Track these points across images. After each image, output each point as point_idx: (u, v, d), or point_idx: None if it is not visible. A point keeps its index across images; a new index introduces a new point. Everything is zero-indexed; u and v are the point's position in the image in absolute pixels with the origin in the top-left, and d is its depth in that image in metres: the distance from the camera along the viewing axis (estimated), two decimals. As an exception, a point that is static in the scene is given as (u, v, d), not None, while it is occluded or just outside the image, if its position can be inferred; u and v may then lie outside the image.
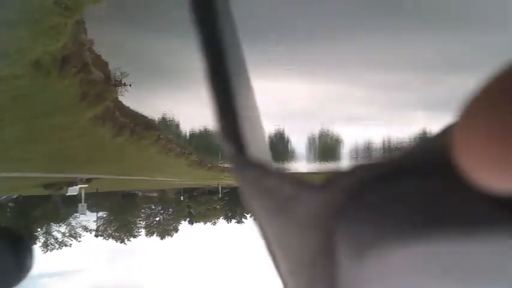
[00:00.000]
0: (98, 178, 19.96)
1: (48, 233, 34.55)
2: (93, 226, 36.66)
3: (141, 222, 40.40)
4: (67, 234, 34.98)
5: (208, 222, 43.97)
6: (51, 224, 34.40)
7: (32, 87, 7.64)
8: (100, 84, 10.78)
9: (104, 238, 37.57)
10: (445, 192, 0.18)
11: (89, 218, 35.27)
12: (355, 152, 41.08)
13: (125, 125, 13.79)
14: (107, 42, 14.42)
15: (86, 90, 9.86)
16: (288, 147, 38.42)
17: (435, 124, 36.76)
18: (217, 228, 44.61)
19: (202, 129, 35.11)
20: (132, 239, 38.56)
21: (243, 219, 45.27)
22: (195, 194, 42.25)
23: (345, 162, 40.68)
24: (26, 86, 7.35)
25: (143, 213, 40.93)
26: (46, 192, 21.51)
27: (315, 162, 40.90)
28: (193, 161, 24.63)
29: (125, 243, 38.11)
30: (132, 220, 39.47)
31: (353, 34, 33.10)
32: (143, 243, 39.81)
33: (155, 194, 41.34)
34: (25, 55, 6.77)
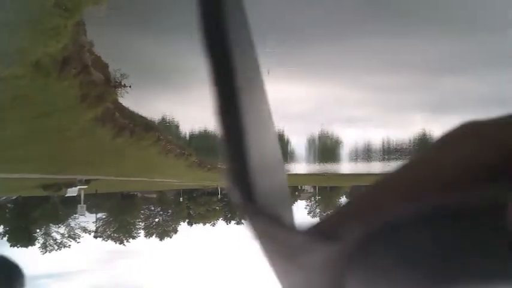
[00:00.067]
0: (97, 179, 19.97)
1: (47, 234, 34.53)
2: (92, 227, 36.66)
3: (140, 223, 40.39)
4: (66, 235, 34.97)
5: (207, 224, 43.97)
6: (50, 225, 34.38)
7: (32, 88, 7.66)
8: (100, 86, 10.80)
9: (103, 239, 37.56)
10: (461, 241, 0.17)
11: (88, 219, 35.27)
12: (355, 154, 41.15)
13: (125, 126, 13.80)
14: (107, 43, 14.46)
15: (86, 92, 9.87)
16: (287, 149, 38.47)
17: (434, 126, 36.83)
18: (216, 230, 44.64)
19: (202, 131, 35.17)
20: (131, 240, 38.55)
21: (242, 221, 45.17)
22: (194, 195, 42.24)
23: (344, 164, 40.72)
24: (26, 87, 7.37)
25: (142, 214, 40.91)
26: (45, 193, 21.50)
27: (315, 163, 40.95)
28: (193, 162, 24.64)
29: (124, 244, 38.09)
30: (131, 221, 39.44)
31: (352, 36, 33.18)
32: (142, 244, 39.83)
33: (154, 195, 41.33)
34: (25, 56, 6.79)
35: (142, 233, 39.66)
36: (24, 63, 6.89)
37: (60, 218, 34.05)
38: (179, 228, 41.90)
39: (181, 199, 41.58)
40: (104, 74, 11.49)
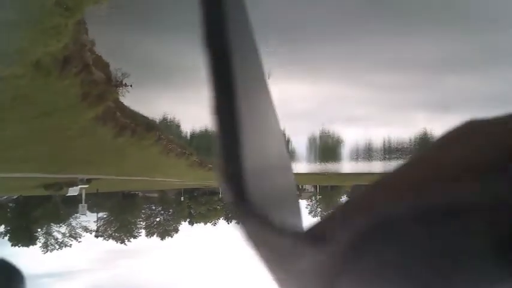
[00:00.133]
0: (98, 178, 19.97)
1: (48, 233, 34.57)
2: (94, 227, 36.71)
3: (142, 222, 40.42)
4: (67, 234, 35.01)
5: (208, 223, 43.99)
6: (52, 224, 34.42)
7: (32, 88, 7.63)
8: (101, 85, 10.77)
9: (104, 239, 37.59)
10: (451, 243, 0.17)
11: (89, 219, 35.31)
12: (356, 153, 41.08)
13: (126, 125, 13.78)
14: (108, 42, 14.42)
15: (87, 91, 9.85)
16: (288, 148, 38.40)
17: (435, 124, 36.74)
18: (217, 229, 44.66)
19: (203, 130, 35.12)
20: (132, 239, 38.57)
21: (234, 221, 45.12)
22: (195, 194, 42.25)
23: (345, 163, 40.67)
24: (26, 86, 7.34)
25: (143, 213, 40.93)
26: (46, 192, 21.51)
27: (316, 162, 40.89)
28: (194, 162, 24.63)
29: (125, 243, 38.12)
30: (133, 221, 39.47)
31: (353, 35, 33.09)
32: (143, 243, 39.84)
33: (155, 195, 41.36)
34: (26, 55, 6.76)
35: (143, 232, 39.72)
36: (24, 63, 6.86)
37: (61, 218, 34.08)
38: (180, 227, 41.96)
39: (182, 198, 41.61)
40: (105, 73, 11.46)
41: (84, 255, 39.06)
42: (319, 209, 43.05)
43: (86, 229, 35.89)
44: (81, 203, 22.53)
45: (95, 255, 40.61)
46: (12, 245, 33.24)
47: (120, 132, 13.43)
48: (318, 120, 39.77)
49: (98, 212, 36.95)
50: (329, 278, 0.21)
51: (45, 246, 34.32)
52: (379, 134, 39.20)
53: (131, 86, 13.25)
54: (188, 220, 43.19)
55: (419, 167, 0.20)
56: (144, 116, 16.71)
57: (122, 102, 13.73)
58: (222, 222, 44.57)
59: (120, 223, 38.23)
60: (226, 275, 43.30)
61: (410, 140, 38.16)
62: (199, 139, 33.33)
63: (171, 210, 41.94)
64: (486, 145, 0.18)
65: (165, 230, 40.68)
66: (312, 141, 40.25)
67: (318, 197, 44.42)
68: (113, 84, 12.10)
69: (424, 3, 29.55)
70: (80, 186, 19.18)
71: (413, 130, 37.86)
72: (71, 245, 34.96)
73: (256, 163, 0.25)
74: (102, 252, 40.18)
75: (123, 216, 38.23)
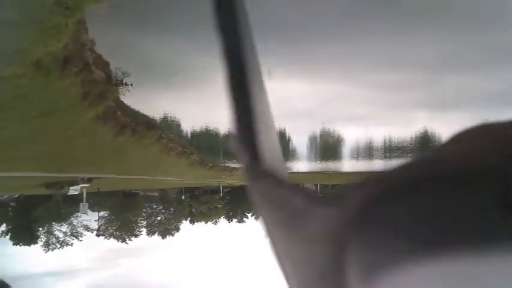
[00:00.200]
0: (99, 177, 20.00)
1: (49, 232, 34.63)
2: (95, 225, 36.77)
3: (143, 221, 40.47)
4: (68, 233, 35.08)
5: (209, 222, 44.03)
6: (53, 223, 34.48)
7: (33, 87, 7.65)
8: (101, 84, 10.79)
9: (106, 237, 37.65)
10: (460, 205, 0.17)
11: (91, 218, 35.33)
12: (356, 152, 41.07)
13: (126, 124, 13.80)
14: (108, 42, 14.44)
15: (87, 90, 9.86)
16: (289, 147, 38.40)
17: (436, 124, 36.72)
18: (218, 228, 44.68)
19: (204, 129, 35.16)
20: (133, 238, 38.63)
21: (244, 219, 45.29)
22: (196, 193, 42.29)
23: (346, 162, 40.67)
24: (26, 86, 7.36)
25: (144, 212, 40.99)
26: (47, 191, 21.56)
27: (316, 161, 40.89)
28: (195, 161, 24.65)
29: (126, 242, 38.18)
30: (134, 219, 39.53)
31: (354, 34, 33.06)
32: (144, 242, 39.90)
33: (156, 194, 41.39)
34: (26, 55, 6.78)
35: (144, 231, 39.78)
36: (25, 62, 6.88)
37: (63, 216, 34.15)
38: (181, 226, 42.01)
39: (183, 197, 41.65)
40: (105, 73, 11.47)
41: (85, 254, 39.13)
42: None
43: (87, 228, 35.98)
44: (82, 201, 22.56)
45: (96, 254, 40.68)
46: (13, 244, 33.33)
47: (121, 131, 13.45)
48: (319, 119, 39.77)
49: (99, 211, 37.01)
50: (339, 242, 0.21)
51: (47, 245, 34.39)
52: (379, 133, 39.18)
53: (131, 85, 13.27)
54: (189, 219, 43.24)
55: (422, 161, 0.20)
56: (144, 115, 16.73)
57: (122, 102, 13.75)
58: (223, 220, 44.65)
59: (121, 222, 38.29)
60: (227, 273, 43.35)
61: (410, 138, 38.14)
62: (200, 138, 33.36)
63: (172, 209, 41.99)
64: (494, 144, 0.18)
65: (166, 229, 40.74)
66: (312, 140, 40.25)
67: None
68: (113, 83, 12.11)
69: (424, 3, 29.52)
70: (80, 185, 19.22)
71: (413, 129, 37.84)
72: (72, 243, 35.04)
73: (263, 130, 0.26)
74: (103, 251, 40.24)
75: (124, 215, 38.29)
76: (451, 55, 34.18)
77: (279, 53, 27.72)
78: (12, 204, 33.98)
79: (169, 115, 31.25)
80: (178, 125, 32.64)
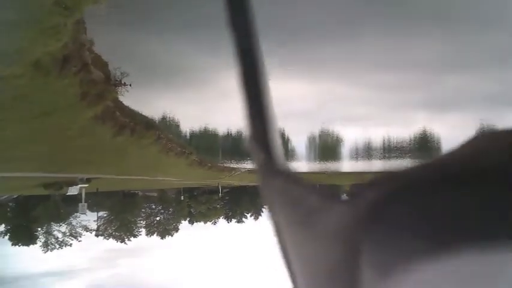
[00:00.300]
0: (98, 178, 20.00)
1: (48, 232, 34.60)
2: (94, 226, 36.75)
3: (142, 221, 40.47)
4: (67, 233, 35.05)
5: (208, 222, 44.02)
6: (52, 223, 34.45)
7: (32, 87, 7.66)
8: (100, 84, 10.79)
9: (105, 238, 37.63)
10: (460, 204, 0.18)
11: (90, 218, 35.34)
12: (355, 152, 41.11)
13: (125, 124, 13.80)
14: (107, 42, 14.44)
15: (86, 90, 9.87)
16: (288, 147, 38.44)
17: (435, 124, 36.77)
18: (217, 228, 44.70)
19: (202, 129, 35.18)
20: (132, 238, 38.61)
21: (243, 219, 45.31)
22: (195, 193, 42.29)
23: (345, 162, 40.70)
24: (26, 86, 7.37)
25: (143, 212, 40.99)
26: (46, 191, 21.53)
27: (315, 161, 40.92)
28: (194, 161, 24.66)
29: (125, 242, 38.16)
30: (133, 220, 39.52)
31: (353, 35, 33.11)
32: (143, 242, 39.88)
33: (155, 194, 41.38)
34: (25, 55, 6.79)
35: (143, 231, 39.77)
36: (24, 63, 6.89)
37: (62, 217, 34.12)
38: (180, 226, 42.01)
39: (182, 198, 41.64)
40: (104, 73, 11.47)
41: (84, 254, 39.12)
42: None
43: (86, 228, 35.95)
44: (81, 202, 22.55)
45: (95, 254, 40.68)
46: (12, 244, 33.31)
47: (120, 131, 13.45)
48: (318, 119, 39.83)
49: (98, 211, 37.00)
50: (351, 241, 0.21)
51: (46, 245, 34.36)
52: (378, 133, 39.24)
53: (130, 85, 13.26)
54: (188, 219, 43.24)
55: (432, 162, 0.21)
56: (143, 115, 16.73)
57: (121, 102, 13.74)
58: (222, 221, 44.66)
59: (120, 222, 38.28)
60: (227, 273, 43.34)
61: (409, 139, 38.20)
62: (199, 138, 33.39)
63: (171, 209, 41.98)
64: (497, 149, 0.19)
65: (165, 229, 40.73)
66: (311, 140, 40.30)
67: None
68: (112, 83, 12.11)
69: (424, 5, 29.57)
70: (79, 185, 19.21)
71: (412, 129, 37.90)
72: (71, 244, 35.02)
73: (275, 127, 0.27)
74: (103, 251, 40.25)
75: (123, 215, 38.27)
76: (450, 56, 34.24)
77: (279, 53, 27.75)
78: (11, 204, 33.95)
79: (168, 115, 31.29)
80: (177, 125, 32.67)
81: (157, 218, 41.29)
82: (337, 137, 40.56)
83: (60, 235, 34.81)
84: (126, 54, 21.62)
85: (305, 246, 0.25)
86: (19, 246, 33.55)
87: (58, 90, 8.61)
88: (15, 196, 31.76)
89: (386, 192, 0.20)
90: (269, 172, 0.23)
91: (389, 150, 38.80)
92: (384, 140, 39.39)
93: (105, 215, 38.02)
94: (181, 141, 25.89)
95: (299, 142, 39.35)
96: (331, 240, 0.23)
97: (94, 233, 36.74)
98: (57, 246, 34.64)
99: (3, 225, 33.74)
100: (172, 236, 40.89)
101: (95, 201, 33.52)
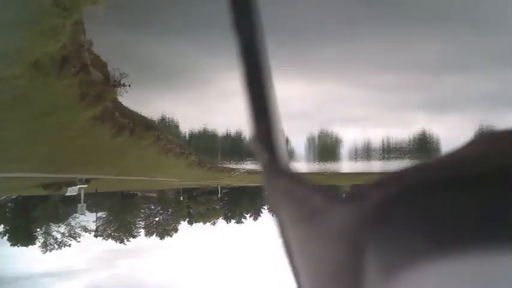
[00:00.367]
0: (97, 178, 19.98)
1: (47, 233, 34.58)
2: (93, 226, 36.71)
3: (141, 222, 40.43)
4: (66, 234, 35.02)
5: (207, 223, 44.01)
6: (51, 224, 34.42)
7: (31, 88, 7.67)
8: (99, 85, 10.80)
9: (104, 238, 37.60)
10: (460, 205, 0.18)
11: (89, 218, 35.30)
12: (354, 153, 41.13)
13: (125, 125, 13.81)
14: (106, 42, 14.45)
15: (85, 91, 9.87)
16: (287, 148, 38.26)
17: (434, 125, 36.82)
18: (216, 229, 44.69)
19: (202, 130, 35.20)
20: (131, 239, 38.59)
21: (243, 220, 45.31)
22: (194, 194, 42.28)
23: (344, 163, 40.73)
24: (25, 86, 7.38)
25: (142, 213, 40.95)
26: (45, 192, 21.52)
27: (314, 162, 40.93)
28: (193, 161, 24.67)
29: (124, 243, 38.14)
30: (132, 220, 39.49)
31: (352, 36, 33.15)
32: (143, 243, 39.85)
33: (154, 194, 41.36)
34: (24, 55, 6.80)
35: (142, 232, 39.74)
36: (23, 63, 6.90)
37: (61, 217, 34.08)
38: (179, 227, 41.99)
39: (181, 198, 41.63)
40: (103, 73, 11.48)
41: (83, 255, 39.07)
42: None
43: (85, 229, 35.92)
44: (80, 202, 22.53)
45: (94, 255, 40.63)
46: (11, 245, 33.28)
47: (119, 132, 13.46)
48: (317, 120, 39.87)
49: (97, 212, 36.98)
50: (356, 242, 0.21)
51: (45, 246, 34.33)
52: (377, 134, 39.28)
53: (129, 86, 13.25)
54: (187, 220, 43.23)
55: (436, 162, 0.21)
56: (142, 116, 16.73)
57: (120, 102, 13.75)
58: (221, 221, 44.65)
59: (119, 223, 38.25)
60: (226, 274, 43.33)
61: (408, 140, 38.23)
62: (198, 139, 33.41)
63: (170, 210, 41.96)
64: (497, 149, 0.19)
65: (164, 230, 40.71)
66: (310, 141, 40.32)
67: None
68: (111, 84, 12.11)
69: (423, 6, 29.62)
70: (78, 186, 19.19)
71: (411, 130, 37.94)
72: (70, 244, 34.99)
73: (279, 128, 0.27)
74: (101, 251, 40.21)
75: (122, 216, 38.25)
76: (449, 57, 34.30)
77: (278, 54, 27.79)
78: (10, 205, 33.92)
79: (167, 116, 31.30)
80: (177, 126, 32.69)
81: (157, 219, 41.27)
82: (336, 138, 40.60)
83: (59, 236, 34.79)
84: (125, 55, 21.63)
85: (309, 245, 0.25)
86: (18, 246, 33.52)
87: (57, 90, 8.61)
88: (14, 196, 31.74)
89: (392, 193, 0.20)
90: (273, 172, 0.23)
91: (389, 151, 38.84)
92: (383, 141, 39.44)
93: (104, 216, 37.99)
94: (181, 141, 25.89)
95: (298, 143, 39.38)
96: (336, 240, 0.23)
97: (93, 233, 36.73)
98: (56, 246, 34.60)
99: (2, 226, 33.71)
100: (171, 236, 40.89)
101: (94, 201, 33.50)
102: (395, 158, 36.57)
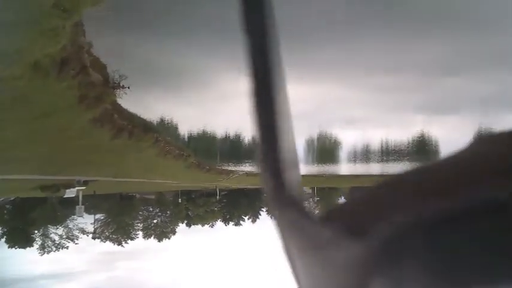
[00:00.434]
0: (96, 180, 19.92)
1: (45, 235, 34.46)
2: (91, 228, 36.58)
3: (139, 224, 40.32)
4: (64, 236, 34.89)
5: (206, 225, 43.94)
6: (49, 226, 34.31)
7: (30, 89, 7.64)
8: (98, 87, 10.78)
9: (102, 240, 37.47)
10: (468, 242, 0.17)
11: (86, 220, 35.18)
12: (353, 155, 41.15)
13: (123, 127, 13.78)
14: (106, 44, 14.43)
15: (85, 93, 9.85)
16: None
17: (433, 127, 36.89)
18: (215, 231, 44.61)
19: (201, 132, 35.21)
20: (129, 241, 38.48)
21: (241, 222, 45.25)
22: (193, 196, 42.21)
23: (343, 165, 40.74)
24: (24, 87, 7.35)
25: (141, 215, 40.84)
26: (43, 194, 21.44)
27: (313, 164, 40.94)
28: (192, 163, 24.64)
29: (122, 245, 38.02)
30: (130, 222, 39.37)
31: (352, 37, 33.22)
32: (141, 245, 39.74)
33: (153, 196, 41.28)
34: (24, 57, 6.77)
35: (140, 234, 39.62)
36: (23, 64, 6.87)
37: (58, 219, 33.98)
38: (178, 229, 41.89)
39: (179, 200, 41.55)
40: (103, 75, 11.46)
41: (81, 257, 38.95)
42: (317, 211, 43.04)
43: (83, 231, 35.80)
44: (78, 204, 22.46)
45: (92, 257, 40.50)
46: (9, 247, 33.15)
47: (118, 134, 13.43)
48: (316, 122, 39.91)
49: (95, 214, 36.85)
50: (364, 276, 0.21)
51: (42, 248, 34.21)
52: (376, 136, 39.34)
53: (129, 88, 13.23)
54: (185, 222, 43.14)
55: (436, 169, 0.21)
56: (141, 118, 16.71)
57: (119, 104, 13.73)
58: (219, 223, 44.57)
59: (118, 225, 38.14)
60: (224, 276, 43.25)
61: (407, 141, 38.30)
62: (197, 141, 33.38)
63: (168, 212, 41.88)
64: (496, 152, 0.19)
65: (163, 232, 40.60)
66: (309, 143, 40.36)
67: (315, 198, 44.49)
68: (110, 86, 12.09)
69: (423, 8, 29.70)
70: (77, 188, 19.13)
71: (410, 132, 38.01)
72: (67, 246, 34.87)
73: (289, 156, 0.26)
74: (99, 253, 40.10)
75: (121, 218, 38.14)
76: (448, 59, 34.38)
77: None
78: (7, 207, 33.81)
79: (166, 118, 31.28)
80: (176, 128, 32.67)
81: (155, 221, 41.17)
82: (335, 140, 40.64)
83: (57, 238, 34.68)
84: (125, 57, 21.61)
85: (315, 272, 0.25)
86: (15, 248, 33.40)
87: (57, 92, 8.59)
88: (12, 198, 31.64)
89: (400, 228, 0.19)
90: (280, 202, 0.22)
91: (388, 153, 38.88)
92: (382, 143, 39.49)
93: (102, 218, 37.87)
94: (180, 143, 25.87)
95: (297, 145, 39.48)
96: (343, 271, 0.22)
97: (91, 235, 36.60)
98: (54, 248, 34.48)
99: (-1, 228, 33.64)
100: (169, 238, 40.78)
101: (92, 203, 33.41)
102: (395, 160, 36.58)
